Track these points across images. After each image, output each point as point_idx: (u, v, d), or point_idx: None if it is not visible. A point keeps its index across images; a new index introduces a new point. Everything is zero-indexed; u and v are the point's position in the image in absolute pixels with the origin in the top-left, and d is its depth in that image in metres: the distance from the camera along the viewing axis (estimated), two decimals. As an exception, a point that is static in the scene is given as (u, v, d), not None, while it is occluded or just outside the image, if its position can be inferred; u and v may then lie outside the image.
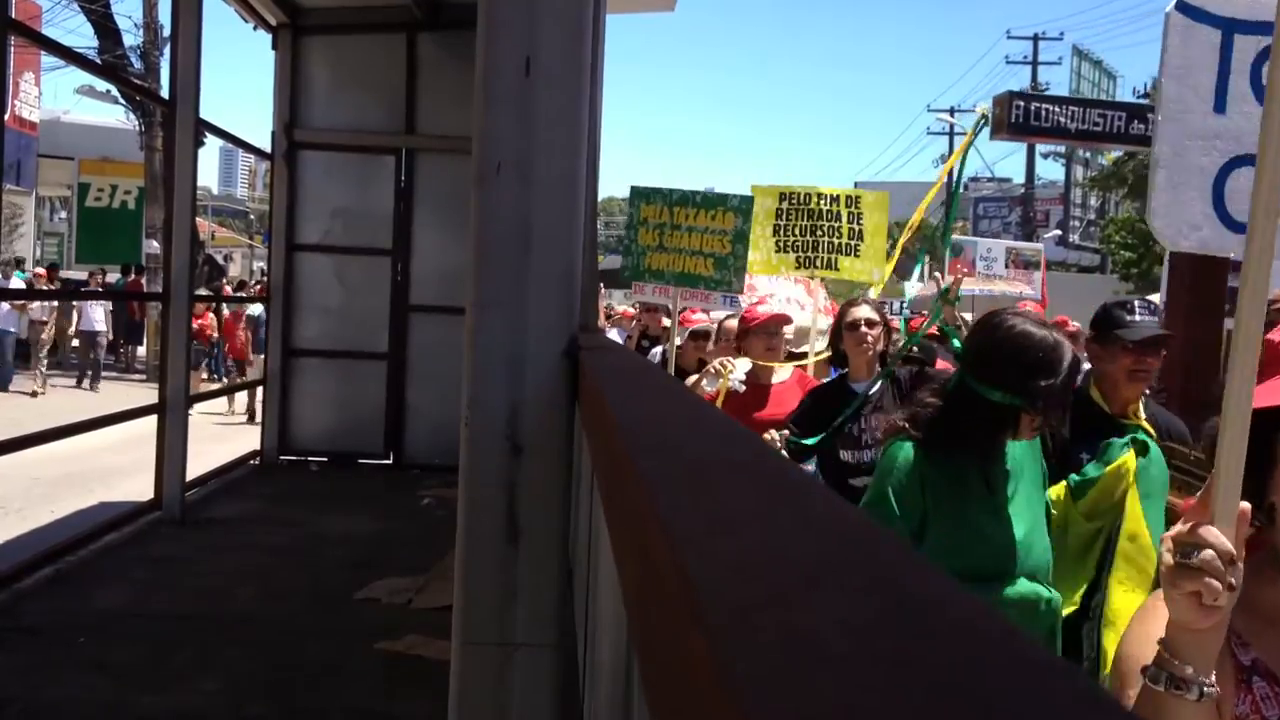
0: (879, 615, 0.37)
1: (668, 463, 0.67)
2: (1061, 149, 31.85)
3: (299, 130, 8.14)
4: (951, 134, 42.48)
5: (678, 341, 5.62)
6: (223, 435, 11.58)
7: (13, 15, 5.39)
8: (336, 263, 8.23)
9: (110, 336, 17.80)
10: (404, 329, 8.25)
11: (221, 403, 13.45)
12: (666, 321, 6.60)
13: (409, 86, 8.13)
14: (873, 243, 5.78)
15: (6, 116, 4.69)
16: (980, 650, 0.34)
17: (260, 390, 9.01)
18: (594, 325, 4.84)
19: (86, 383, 16.08)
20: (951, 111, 42.15)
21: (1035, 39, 36.64)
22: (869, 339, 3.92)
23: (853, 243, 5.77)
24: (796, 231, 5.85)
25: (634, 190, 5.52)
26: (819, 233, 5.80)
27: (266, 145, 8.30)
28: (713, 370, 4.29)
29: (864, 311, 4.00)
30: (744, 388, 4.35)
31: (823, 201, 5.81)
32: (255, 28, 8.13)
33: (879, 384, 3.80)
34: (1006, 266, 11.85)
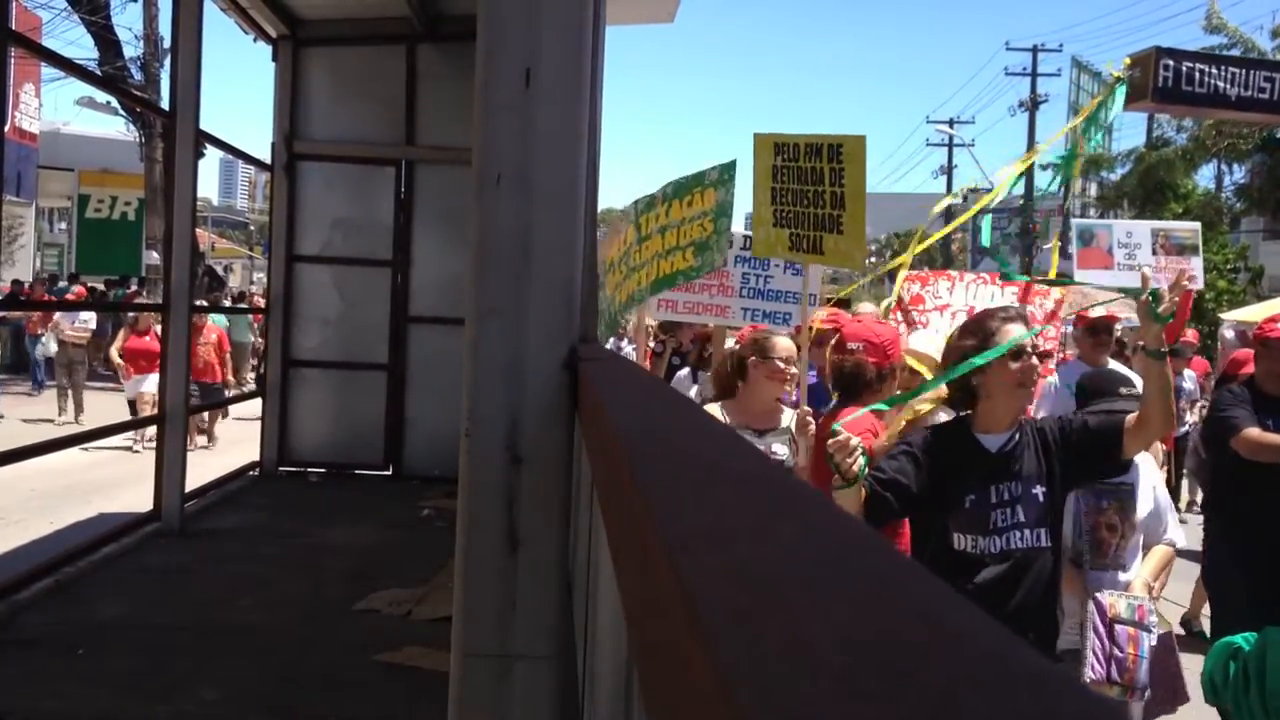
0: (878, 627, 0.37)
1: (667, 473, 0.67)
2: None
3: (299, 141, 8.15)
4: (951, 145, 42.58)
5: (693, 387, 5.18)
6: (221, 447, 11.56)
7: (13, 26, 5.40)
8: (336, 274, 8.23)
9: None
10: (403, 340, 8.24)
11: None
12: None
13: (409, 98, 8.15)
14: (854, 210, 3.82)
15: (6, 128, 4.71)
16: (979, 663, 0.34)
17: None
18: (594, 336, 4.69)
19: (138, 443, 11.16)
20: (950, 123, 42.23)
21: (1034, 50, 36.70)
22: (1034, 375, 2.69)
23: (835, 213, 3.87)
24: (790, 199, 4.06)
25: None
26: (805, 201, 3.99)
27: (266, 156, 8.31)
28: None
29: (1023, 329, 2.67)
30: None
31: (810, 157, 3.97)
32: (255, 39, 8.15)
33: (1016, 437, 2.68)
34: (1154, 253, 9.50)
